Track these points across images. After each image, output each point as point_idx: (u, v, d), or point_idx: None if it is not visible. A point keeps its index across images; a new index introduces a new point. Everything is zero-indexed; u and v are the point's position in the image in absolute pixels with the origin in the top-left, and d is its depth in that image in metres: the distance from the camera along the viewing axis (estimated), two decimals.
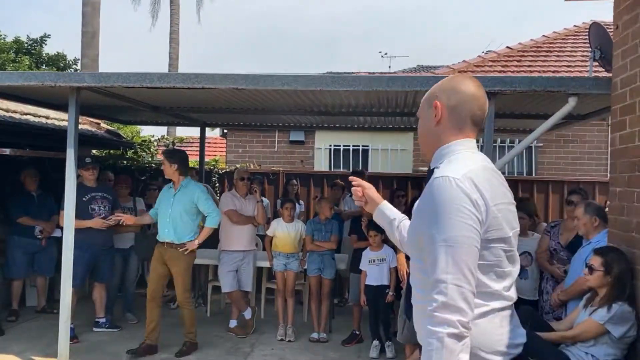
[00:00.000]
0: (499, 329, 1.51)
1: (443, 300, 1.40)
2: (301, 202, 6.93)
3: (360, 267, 4.96)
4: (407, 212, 5.93)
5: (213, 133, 12.72)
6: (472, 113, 1.63)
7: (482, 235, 1.46)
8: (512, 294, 1.56)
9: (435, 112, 1.64)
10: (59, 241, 5.06)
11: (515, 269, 1.57)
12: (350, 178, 2.17)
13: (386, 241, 5.00)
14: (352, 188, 2.04)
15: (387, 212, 1.98)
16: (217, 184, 7.71)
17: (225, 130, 10.17)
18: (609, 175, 3.71)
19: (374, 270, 4.87)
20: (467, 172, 1.49)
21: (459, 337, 1.39)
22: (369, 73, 12.67)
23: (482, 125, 1.68)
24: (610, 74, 3.60)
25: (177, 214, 4.69)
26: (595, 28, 4.32)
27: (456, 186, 1.45)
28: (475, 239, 1.44)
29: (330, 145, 9.77)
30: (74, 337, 4.80)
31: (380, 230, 4.92)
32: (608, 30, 4.20)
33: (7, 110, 5.71)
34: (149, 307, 4.72)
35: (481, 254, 1.46)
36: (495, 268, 1.50)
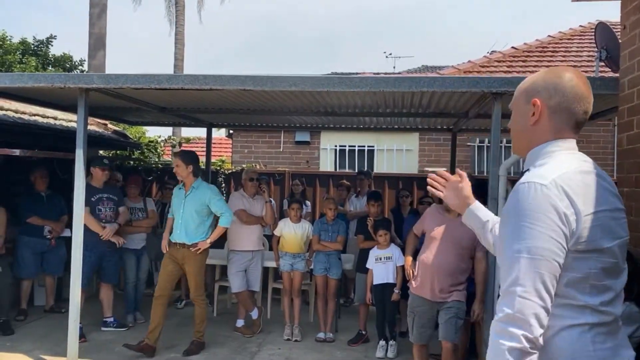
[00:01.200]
0: (591, 345, 1.37)
1: (510, 312, 1.31)
2: (307, 202, 6.95)
3: (366, 266, 4.97)
4: (413, 212, 5.93)
5: (219, 133, 12.75)
6: (575, 116, 1.47)
7: (570, 246, 1.33)
8: (613, 309, 1.41)
9: (533, 111, 1.48)
10: (67, 241, 5.11)
11: (619, 282, 1.43)
12: (432, 176, 1.91)
13: (393, 240, 5.02)
14: (428, 183, 1.89)
15: (480, 214, 1.82)
16: (224, 185, 7.74)
17: (231, 131, 10.20)
18: (615, 175, 3.71)
19: (380, 268, 4.88)
20: (557, 177, 1.35)
21: (522, 353, 1.29)
22: (374, 73, 12.68)
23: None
24: (617, 74, 3.61)
25: (188, 215, 4.74)
26: (602, 28, 4.32)
27: (541, 194, 1.33)
28: (557, 252, 1.31)
29: (336, 146, 9.79)
30: (82, 337, 4.83)
31: (387, 228, 4.94)
32: (614, 30, 4.21)
33: (16, 111, 5.77)
34: (155, 304, 4.75)
35: (570, 266, 1.35)
36: (591, 281, 1.37)
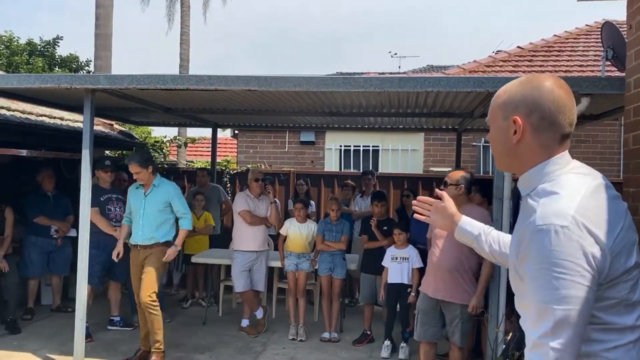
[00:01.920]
0: (636, 356, 1.31)
1: None
2: (312, 202, 6.96)
3: (382, 264, 4.96)
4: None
5: (224, 134, 12.77)
6: (561, 130, 1.35)
7: (602, 281, 1.26)
8: None
9: (514, 129, 1.35)
10: (74, 241, 5.15)
11: None
12: (420, 198, 1.89)
13: (410, 241, 5.00)
14: (414, 206, 1.88)
15: (470, 228, 1.76)
16: (229, 185, 7.76)
17: (236, 131, 10.23)
18: (621, 175, 3.69)
19: (395, 268, 4.86)
20: (575, 212, 1.24)
21: None
22: (379, 73, 12.68)
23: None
24: (623, 74, 3.59)
25: (150, 215, 4.54)
26: (608, 27, 4.30)
27: (564, 238, 1.22)
28: (589, 298, 1.23)
29: (341, 146, 9.80)
30: (88, 336, 4.86)
31: (404, 228, 4.93)
32: (621, 29, 4.19)
33: (23, 112, 5.81)
34: (140, 311, 4.59)
35: (603, 296, 1.27)
36: (623, 303, 1.30)
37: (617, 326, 1.29)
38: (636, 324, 1.31)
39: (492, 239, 1.73)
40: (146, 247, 4.55)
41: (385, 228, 5.16)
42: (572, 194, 1.28)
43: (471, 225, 1.77)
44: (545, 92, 1.34)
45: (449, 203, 1.82)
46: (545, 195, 1.30)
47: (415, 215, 1.91)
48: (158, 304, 4.47)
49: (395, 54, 21.38)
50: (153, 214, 4.56)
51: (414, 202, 1.91)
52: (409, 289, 4.80)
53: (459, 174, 3.89)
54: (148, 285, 4.42)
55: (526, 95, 1.35)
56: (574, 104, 1.37)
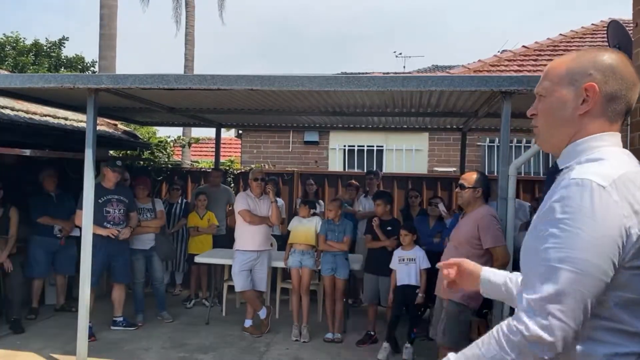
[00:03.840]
0: None
1: (536, 331, 1.09)
2: (321, 201, 6.94)
3: (390, 266, 4.94)
4: (422, 214, 5.86)
5: (228, 134, 12.77)
6: (628, 106, 1.25)
7: (627, 262, 1.12)
8: None
9: (584, 98, 1.23)
10: (78, 241, 5.15)
11: None
12: (442, 265, 1.72)
13: (417, 242, 4.98)
14: (443, 275, 1.68)
15: (494, 279, 1.53)
16: (232, 185, 7.76)
17: (240, 131, 10.23)
18: None
19: (403, 269, 4.83)
20: (618, 178, 1.12)
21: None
22: (384, 73, 12.64)
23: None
24: None
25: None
26: (614, 26, 4.26)
27: (599, 198, 1.09)
28: (607, 271, 1.10)
29: (345, 146, 9.77)
30: (91, 336, 4.85)
31: (411, 230, 4.91)
32: (627, 28, 4.14)
33: (27, 112, 5.82)
34: None
35: (624, 284, 1.12)
36: None
37: (628, 328, 1.15)
38: None
39: (516, 283, 1.48)
40: None
41: (389, 228, 5.14)
42: (618, 163, 1.16)
43: (495, 275, 1.55)
44: (621, 63, 1.24)
45: (465, 263, 1.63)
46: (587, 162, 1.19)
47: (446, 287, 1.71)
48: None
49: (400, 54, 21.37)
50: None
51: (443, 276, 1.70)
52: (417, 290, 4.77)
53: (475, 176, 3.80)
54: None
55: (599, 62, 1.24)
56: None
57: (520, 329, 1.11)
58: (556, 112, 1.28)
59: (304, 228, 5.33)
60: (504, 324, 1.16)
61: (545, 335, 1.08)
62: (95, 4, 14.00)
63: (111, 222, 5.24)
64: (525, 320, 1.11)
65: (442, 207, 5.65)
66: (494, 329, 1.18)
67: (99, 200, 5.12)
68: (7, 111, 5.49)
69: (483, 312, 4.09)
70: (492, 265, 3.76)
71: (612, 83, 1.22)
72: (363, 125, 7.57)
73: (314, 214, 5.50)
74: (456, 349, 1.30)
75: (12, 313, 5.32)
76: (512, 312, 3.81)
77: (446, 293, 3.71)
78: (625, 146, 1.30)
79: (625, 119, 1.29)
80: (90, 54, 24.33)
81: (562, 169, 1.26)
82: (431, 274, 4.58)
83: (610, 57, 1.24)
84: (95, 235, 4.71)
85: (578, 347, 1.15)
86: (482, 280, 1.55)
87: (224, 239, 6.67)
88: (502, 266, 3.70)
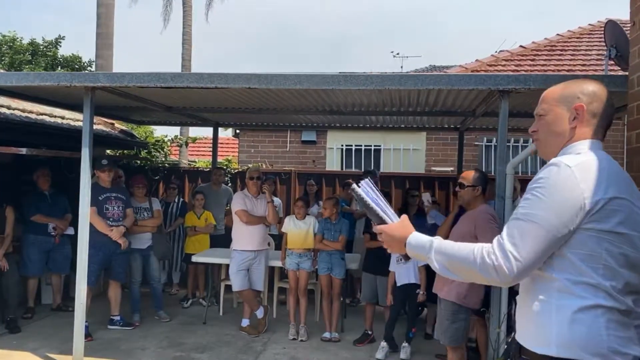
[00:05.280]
0: (604, 331, 1.40)
1: (500, 263, 1.44)
2: (321, 202, 6.92)
3: (389, 268, 4.92)
4: (420, 211, 5.84)
5: (225, 133, 12.76)
6: (608, 120, 1.64)
7: (584, 224, 1.43)
8: (629, 301, 1.43)
9: (575, 114, 1.60)
10: (73, 239, 5.14)
11: (634, 277, 1.45)
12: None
13: None
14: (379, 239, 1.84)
15: (420, 240, 1.69)
16: (230, 184, 7.74)
17: (237, 131, 10.21)
18: None
19: (401, 269, 4.82)
20: (585, 161, 1.48)
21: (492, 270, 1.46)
22: (381, 73, 12.62)
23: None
24: (626, 73, 3.55)
25: None
26: (611, 26, 4.26)
27: (564, 173, 1.45)
28: (560, 229, 1.43)
29: (342, 145, 9.76)
30: (88, 335, 4.85)
31: None
32: (624, 28, 4.15)
33: (23, 111, 5.80)
34: None
35: (583, 242, 1.44)
36: (603, 262, 1.43)
37: (591, 280, 1.43)
38: (612, 292, 1.42)
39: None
40: None
41: None
42: (590, 155, 1.51)
43: (421, 238, 1.69)
44: (599, 89, 1.64)
45: (389, 228, 1.82)
46: (566, 154, 1.55)
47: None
48: None
49: (398, 53, 21.22)
50: None
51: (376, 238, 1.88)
52: (417, 289, 4.76)
53: (474, 174, 3.78)
54: None
55: (585, 89, 1.63)
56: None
57: (492, 258, 1.46)
58: (553, 125, 1.64)
59: (299, 232, 5.28)
60: (484, 249, 1.49)
61: (505, 268, 1.44)
62: (92, 3, 13.97)
63: (111, 219, 5.23)
64: (497, 253, 1.46)
65: (426, 196, 5.24)
66: (476, 247, 1.51)
67: (100, 197, 5.14)
68: (4, 110, 5.47)
69: (481, 311, 4.09)
70: None
71: (595, 104, 1.61)
72: (361, 125, 7.56)
73: (308, 215, 5.47)
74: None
75: (9, 312, 5.30)
76: (508, 309, 3.77)
77: (441, 291, 3.70)
78: (622, 145, 1.44)
79: (606, 132, 1.66)
80: (88, 53, 24.31)
81: None
82: (430, 271, 4.58)
83: (593, 85, 1.64)
84: (94, 236, 4.72)
85: (553, 301, 1.46)
86: (409, 246, 1.73)
87: (222, 239, 6.65)
88: None
